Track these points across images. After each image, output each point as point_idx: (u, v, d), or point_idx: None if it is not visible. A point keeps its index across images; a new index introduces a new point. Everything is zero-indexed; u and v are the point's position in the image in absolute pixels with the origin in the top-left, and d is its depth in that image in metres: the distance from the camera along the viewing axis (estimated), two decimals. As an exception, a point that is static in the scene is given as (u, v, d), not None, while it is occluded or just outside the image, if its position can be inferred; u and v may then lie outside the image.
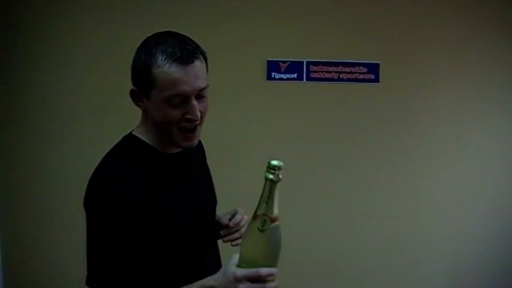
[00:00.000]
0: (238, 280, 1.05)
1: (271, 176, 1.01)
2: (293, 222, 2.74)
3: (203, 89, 1.18)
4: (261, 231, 1.04)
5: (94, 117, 2.62)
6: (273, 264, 1.08)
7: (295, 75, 2.76)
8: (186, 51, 1.15)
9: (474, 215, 2.91)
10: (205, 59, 1.21)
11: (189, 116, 1.17)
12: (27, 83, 2.59)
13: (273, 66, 2.74)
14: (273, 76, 2.74)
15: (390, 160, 2.85)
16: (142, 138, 1.26)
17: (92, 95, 2.62)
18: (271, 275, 1.07)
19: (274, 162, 1.01)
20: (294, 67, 2.75)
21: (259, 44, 2.72)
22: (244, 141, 2.69)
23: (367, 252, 2.84)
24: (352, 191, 2.83)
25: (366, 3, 2.80)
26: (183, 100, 1.16)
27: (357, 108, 2.81)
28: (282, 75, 2.75)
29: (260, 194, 1.04)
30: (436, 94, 2.87)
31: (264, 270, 1.06)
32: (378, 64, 2.81)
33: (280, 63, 2.74)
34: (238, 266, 1.08)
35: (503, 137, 2.93)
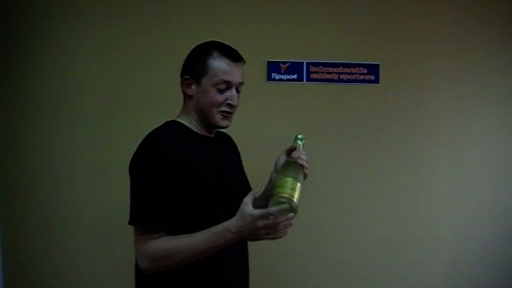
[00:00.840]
0: (263, 217, 1.29)
1: (303, 140, 1.53)
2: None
3: (241, 84, 1.55)
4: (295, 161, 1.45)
5: (97, 117, 2.61)
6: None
7: (295, 76, 2.76)
8: (237, 53, 1.54)
9: (474, 215, 2.91)
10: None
11: (229, 102, 1.51)
12: (28, 83, 2.59)
13: (273, 67, 2.74)
14: (273, 77, 2.75)
15: (390, 161, 2.85)
16: (181, 121, 1.56)
17: (94, 96, 2.62)
18: (289, 220, 1.33)
19: (300, 135, 1.53)
20: (294, 68, 2.75)
21: (259, 45, 2.72)
22: (244, 142, 2.68)
23: (367, 253, 2.84)
24: (351, 191, 2.83)
25: (366, 4, 2.80)
26: (227, 87, 1.50)
27: (357, 109, 2.81)
28: (282, 76, 2.75)
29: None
30: (437, 95, 2.87)
31: (272, 210, 1.30)
32: (378, 65, 2.81)
33: (281, 64, 2.74)
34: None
35: (504, 138, 2.92)
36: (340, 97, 2.81)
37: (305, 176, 1.45)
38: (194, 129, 1.55)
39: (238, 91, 1.55)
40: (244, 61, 1.56)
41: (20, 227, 2.61)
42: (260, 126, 2.74)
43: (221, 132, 1.73)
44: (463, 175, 2.90)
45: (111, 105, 2.62)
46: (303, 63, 2.77)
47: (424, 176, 2.88)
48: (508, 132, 2.92)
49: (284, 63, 2.75)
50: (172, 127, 1.54)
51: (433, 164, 2.88)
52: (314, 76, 2.77)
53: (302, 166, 1.44)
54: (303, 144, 1.52)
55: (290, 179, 1.36)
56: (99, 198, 2.52)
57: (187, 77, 1.53)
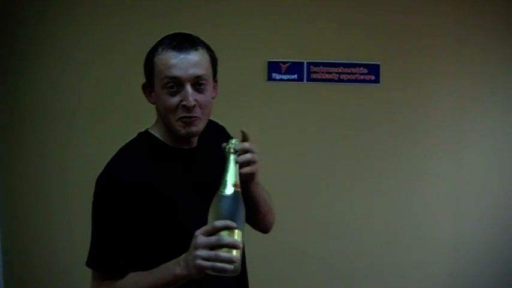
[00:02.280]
0: (195, 237, 1.07)
1: (232, 150, 1.14)
2: (292, 223, 2.74)
3: (199, 77, 1.20)
4: (224, 194, 1.10)
5: (94, 118, 2.62)
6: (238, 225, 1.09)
7: (295, 76, 2.75)
8: (184, 41, 1.21)
9: (475, 215, 2.90)
10: (211, 54, 1.26)
11: (183, 103, 1.19)
12: (26, 83, 2.59)
13: (273, 67, 2.74)
14: (273, 77, 2.74)
15: (391, 161, 2.85)
16: (154, 134, 1.30)
17: (92, 96, 2.62)
18: (228, 227, 1.06)
19: (233, 141, 1.15)
20: (295, 68, 2.75)
21: (260, 45, 2.72)
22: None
23: (368, 253, 2.83)
24: (352, 191, 2.83)
25: (366, 4, 2.80)
26: (178, 86, 1.19)
27: (357, 109, 2.81)
28: (283, 76, 2.74)
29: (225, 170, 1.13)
30: (437, 95, 2.87)
31: (219, 222, 1.06)
32: (379, 65, 2.80)
33: (281, 64, 2.74)
34: None
35: (504, 138, 2.92)
36: (341, 97, 2.80)
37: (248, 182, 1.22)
38: (166, 141, 1.28)
39: (201, 84, 1.21)
40: (205, 49, 1.24)
41: (20, 227, 2.61)
42: (260, 126, 2.73)
43: (214, 131, 1.42)
44: (464, 175, 2.89)
45: (108, 105, 2.62)
46: (303, 63, 2.76)
47: (425, 176, 2.87)
48: (508, 132, 2.92)
49: (284, 63, 2.75)
50: (141, 143, 1.30)
51: (434, 164, 2.88)
52: (314, 76, 2.77)
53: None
54: (235, 151, 1.14)
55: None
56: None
57: (145, 83, 1.29)
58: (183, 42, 1.21)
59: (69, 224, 2.60)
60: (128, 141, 1.32)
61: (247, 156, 1.17)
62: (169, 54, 1.19)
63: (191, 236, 1.10)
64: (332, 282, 2.82)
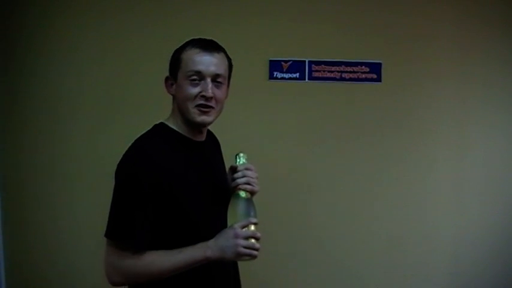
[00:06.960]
0: (234, 228, 1.34)
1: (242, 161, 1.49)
2: (293, 223, 2.74)
3: (218, 75, 1.44)
4: (244, 196, 1.43)
5: (96, 118, 2.62)
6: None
7: (297, 75, 2.75)
8: (210, 44, 1.47)
9: (476, 215, 2.90)
10: (229, 61, 1.52)
11: (203, 93, 1.41)
12: (27, 83, 2.59)
13: (275, 66, 2.73)
14: (275, 76, 2.74)
15: (392, 160, 2.85)
16: (169, 125, 1.49)
17: (93, 97, 2.62)
18: (257, 223, 1.37)
19: (242, 154, 1.50)
20: (296, 66, 2.75)
21: (261, 43, 2.72)
22: (245, 141, 2.68)
23: (369, 253, 2.83)
24: (353, 191, 2.83)
25: (368, 3, 2.79)
26: (200, 78, 1.42)
27: (359, 108, 2.81)
28: (284, 75, 2.74)
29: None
30: (439, 94, 2.86)
31: (253, 219, 1.37)
32: (380, 64, 2.80)
33: (282, 63, 2.74)
34: None
35: (506, 138, 2.91)
36: (342, 96, 2.80)
37: (253, 193, 1.46)
38: (182, 132, 1.48)
39: (218, 82, 1.45)
40: (226, 55, 1.50)
41: (21, 228, 2.61)
42: (261, 125, 2.73)
43: (213, 138, 1.70)
44: (466, 174, 2.89)
45: (109, 106, 2.62)
46: (305, 61, 2.76)
47: (426, 176, 2.87)
48: (510, 133, 2.91)
49: (286, 61, 2.74)
50: (159, 133, 1.48)
51: (435, 164, 2.87)
52: (316, 75, 2.77)
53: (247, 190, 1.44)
54: (243, 161, 1.48)
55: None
56: (98, 197, 2.53)
57: (168, 76, 1.51)
58: (209, 45, 1.46)
59: (73, 223, 2.61)
60: (143, 132, 1.48)
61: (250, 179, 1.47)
62: (196, 52, 1.43)
63: (200, 219, 1.38)
64: (333, 281, 2.82)
